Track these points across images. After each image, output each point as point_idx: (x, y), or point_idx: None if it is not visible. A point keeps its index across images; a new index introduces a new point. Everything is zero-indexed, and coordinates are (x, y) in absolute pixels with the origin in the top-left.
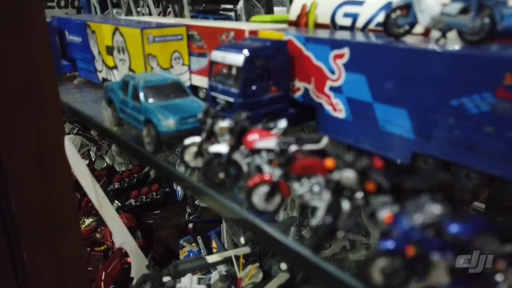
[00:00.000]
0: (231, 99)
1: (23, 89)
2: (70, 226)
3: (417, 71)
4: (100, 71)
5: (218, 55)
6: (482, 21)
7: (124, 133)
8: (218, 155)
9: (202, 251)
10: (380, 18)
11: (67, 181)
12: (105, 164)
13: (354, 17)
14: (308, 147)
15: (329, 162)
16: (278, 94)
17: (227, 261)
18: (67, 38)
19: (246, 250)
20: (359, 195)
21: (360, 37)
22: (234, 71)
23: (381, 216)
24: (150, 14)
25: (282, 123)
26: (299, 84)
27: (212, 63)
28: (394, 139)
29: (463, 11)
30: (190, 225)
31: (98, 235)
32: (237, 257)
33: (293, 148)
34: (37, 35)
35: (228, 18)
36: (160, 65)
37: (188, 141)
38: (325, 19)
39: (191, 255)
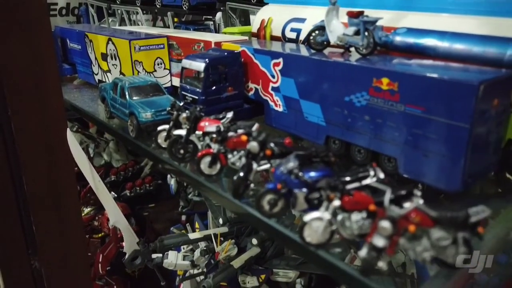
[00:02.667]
0: (196, 97)
1: (32, 88)
2: (73, 205)
3: (324, 76)
4: (97, 74)
5: (186, 62)
6: (368, 40)
7: (115, 123)
8: (180, 136)
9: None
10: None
11: (70, 167)
12: (103, 161)
13: (298, 32)
14: (241, 131)
15: (243, 137)
16: (233, 93)
17: (206, 238)
18: (68, 45)
19: (224, 229)
20: (262, 160)
21: (292, 50)
22: (198, 75)
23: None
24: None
25: (229, 114)
26: (252, 85)
27: (182, 68)
28: (314, 126)
29: (357, 33)
30: (183, 218)
31: (96, 223)
32: (216, 236)
33: (230, 131)
34: (44, 42)
35: (207, 28)
36: (145, 69)
37: (160, 128)
38: (277, 32)
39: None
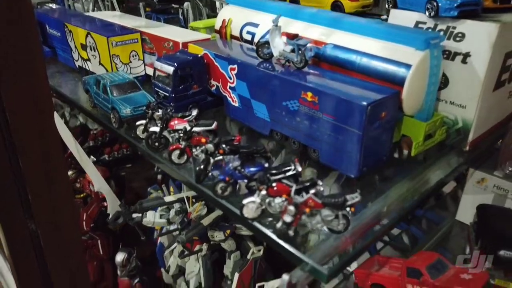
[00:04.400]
0: (167, 94)
1: (21, 76)
2: (60, 171)
3: (268, 84)
4: (77, 60)
5: (158, 64)
6: (301, 57)
7: (98, 113)
8: (154, 132)
9: (165, 194)
10: (266, 39)
11: (56, 139)
12: (79, 122)
13: (252, 35)
14: (203, 128)
15: (203, 140)
16: (198, 89)
17: (180, 200)
18: (47, 30)
19: (195, 193)
20: (217, 156)
21: (246, 57)
22: (168, 76)
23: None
24: (113, 8)
25: (194, 112)
26: (213, 82)
27: (155, 69)
28: (261, 121)
29: (293, 51)
30: (159, 177)
31: (78, 185)
32: (188, 198)
33: (194, 128)
34: (28, 21)
35: (177, 17)
36: (121, 61)
37: (138, 122)
38: (236, 32)
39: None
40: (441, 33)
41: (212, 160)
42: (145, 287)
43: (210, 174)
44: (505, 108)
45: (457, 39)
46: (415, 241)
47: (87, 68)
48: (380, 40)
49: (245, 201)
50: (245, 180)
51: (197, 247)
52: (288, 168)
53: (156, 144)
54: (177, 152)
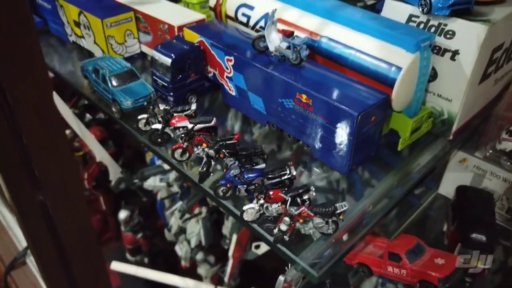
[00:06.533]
0: (165, 84)
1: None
2: (62, 138)
3: (264, 80)
4: (70, 35)
5: (156, 54)
6: (296, 55)
7: (97, 98)
8: (156, 129)
9: None
10: (262, 23)
11: (57, 115)
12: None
13: (248, 17)
14: (203, 125)
15: (204, 144)
16: (196, 77)
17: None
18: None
19: None
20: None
21: (242, 48)
22: (166, 67)
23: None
24: None
25: (193, 106)
26: (210, 69)
27: (152, 58)
28: (258, 112)
29: (288, 47)
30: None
31: (76, 144)
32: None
33: (194, 126)
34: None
35: None
36: (117, 41)
37: (140, 117)
38: (231, 13)
39: (155, 158)
40: (433, 29)
41: (213, 163)
42: (148, 241)
43: (211, 174)
44: (490, 94)
45: (448, 36)
46: (401, 215)
47: (82, 44)
48: (373, 38)
49: (245, 208)
50: (244, 186)
51: (196, 210)
52: (283, 172)
53: (159, 140)
54: (179, 150)
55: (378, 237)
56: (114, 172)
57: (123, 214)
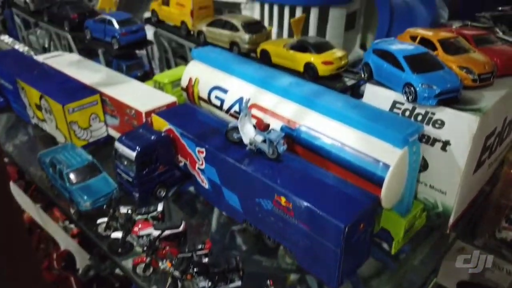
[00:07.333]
0: (130, 179)
1: None
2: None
3: (239, 178)
4: (33, 118)
5: (119, 146)
6: (273, 149)
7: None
8: (117, 239)
9: None
10: (236, 107)
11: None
12: None
13: (222, 101)
14: (170, 231)
15: (169, 264)
16: (165, 169)
17: None
18: None
19: None
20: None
21: (215, 139)
22: (130, 159)
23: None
24: (71, 50)
25: (160, 207)
26: (181, 159)
27: (116, 150)
28: (233, 208)
29: (264, 141)
30: None
31: None
32: None
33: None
34: None
35: (140, 61)
36: (80, 126)
37: (99, 220)
38: (204, 95)
39: None
40: (420, 117)
41: (180, 285)
42: None
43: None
44: (485, 178)
45: (437, 125)
46: None
47: (44, 128)
48: (357, 130)
49: None
50: None
51: None
52: None
53: (119, 250)
54: (142, 265)
55: None
56: (81, 259)
57: None
